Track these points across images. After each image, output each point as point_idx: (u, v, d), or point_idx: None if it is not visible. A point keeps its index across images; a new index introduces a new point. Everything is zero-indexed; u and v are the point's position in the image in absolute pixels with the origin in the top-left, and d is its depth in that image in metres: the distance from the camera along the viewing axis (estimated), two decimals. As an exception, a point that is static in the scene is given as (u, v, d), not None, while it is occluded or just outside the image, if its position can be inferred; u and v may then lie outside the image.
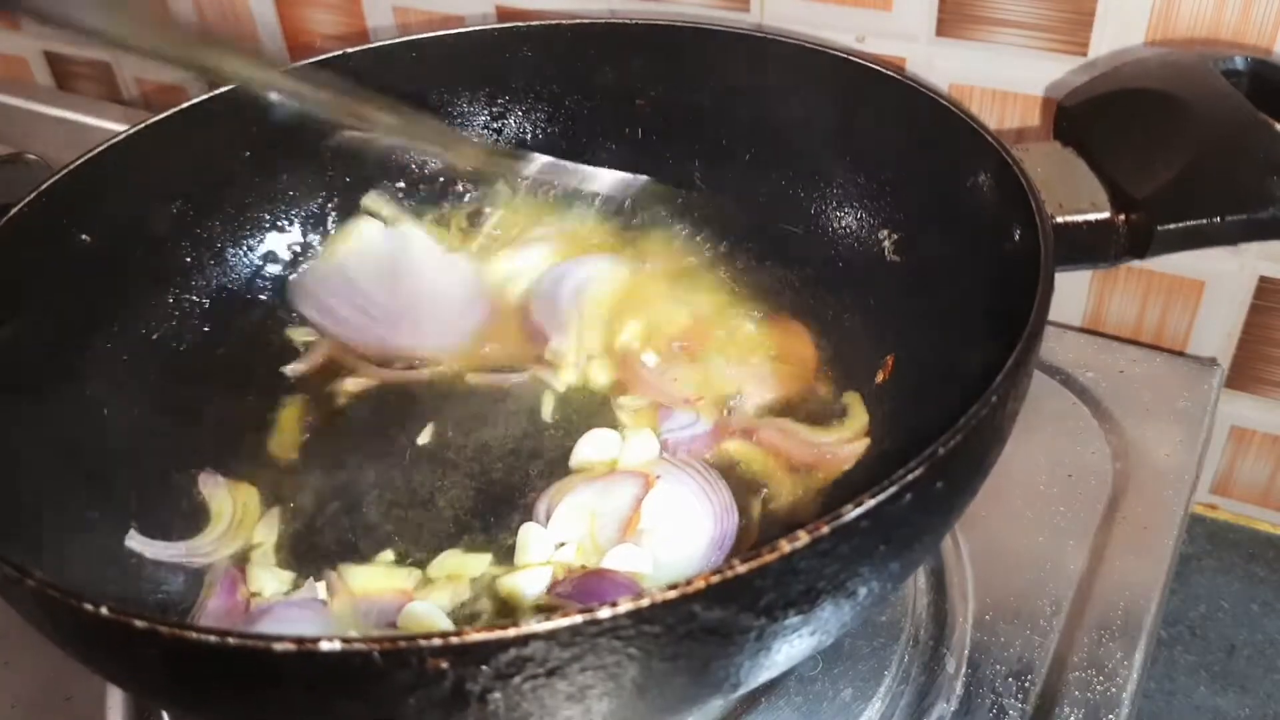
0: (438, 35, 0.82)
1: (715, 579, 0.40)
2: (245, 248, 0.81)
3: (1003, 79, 0.84)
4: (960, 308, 0.66)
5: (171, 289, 0.77)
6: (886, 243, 0.75)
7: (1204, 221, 0.62)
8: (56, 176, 0.69)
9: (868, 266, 0.75)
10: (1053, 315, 0.90)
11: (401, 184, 0.85)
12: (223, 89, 0.77)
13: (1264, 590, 0.88)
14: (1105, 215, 0.63)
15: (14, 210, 0.66)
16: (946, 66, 0.85)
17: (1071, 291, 0.90)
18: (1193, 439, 0.79)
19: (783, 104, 0.78)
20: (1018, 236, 0.60)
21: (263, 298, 0.81)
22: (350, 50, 0.80)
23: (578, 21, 0.81)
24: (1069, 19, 0.79)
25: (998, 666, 0.66)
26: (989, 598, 0.70)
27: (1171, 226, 0.62)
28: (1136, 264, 0.86)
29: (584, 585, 0.62)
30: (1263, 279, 0.83)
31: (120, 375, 0.71)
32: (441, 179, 0.85)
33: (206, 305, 0.78)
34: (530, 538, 0.64)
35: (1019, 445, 0.79)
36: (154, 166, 0.75)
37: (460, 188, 0.85)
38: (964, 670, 0.66)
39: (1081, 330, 0.91)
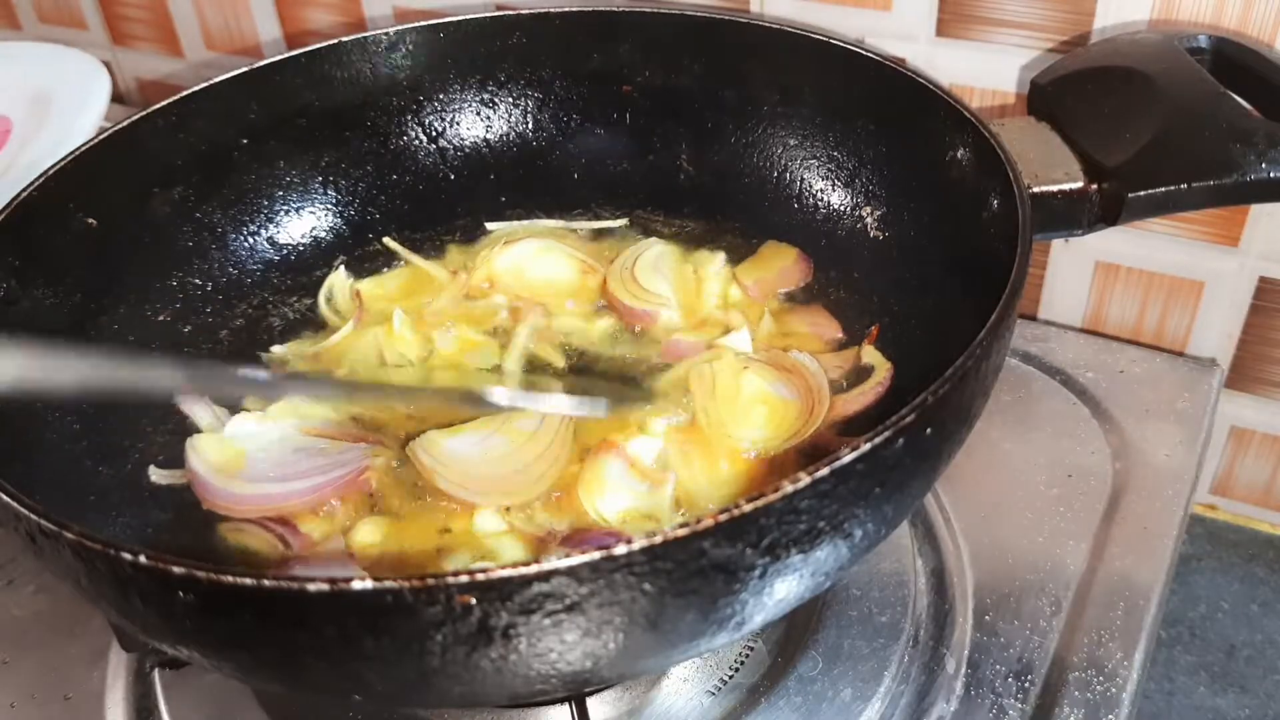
0: (430, 24, 0.83)
1: (723, 518, 0.43)
2: (246, 233, 0.81)
3: (1003, 79, 0.84)
4: (941, 275, 0.69)
5: (175, 272, 0.77)
6: (869, 218, 0.76)
7: (1172, 188, 0.64)
8: (62, 162, 0.70)
9: (851, 240, 0.77)
10: (1053, 315, 0.92)
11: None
12: (219, 79, 0.78)
13: (1264, 590, 0.88)
14: (1079, 184, 0.65)
15: (23, 194, 0.68)
16: (946, 66, 0.85)
17: (1071, 292, 0.90)
18: (1193, 439, 0.79)
19: (765, 87, 0.80)
20: (995, 205, 0.62)
21: (264, 282, 0.81)
22: (345, 39, 0.82)
23: (566, 10, 0.83)
24: (1068, 19, 0.79)
25: (998, 666, 0.66)
26: (989, 598, 0.70)
27: (1142, 194, 0.64)
28: (1136, 265, 0.86)
29: (578, 539, 0.62)
30: (1263, 279, 0.83)
31: (126, 355, 0.71)
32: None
33: (209, 289, 0.79)
34: (486, 523, 0.64)
35: (1019, 445, 0.79)
36: (156, 153, 0.76)
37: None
38: (964, 670, 0.66)
39: (1081, 330, 0.91)
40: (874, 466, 0.47)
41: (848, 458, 0.45)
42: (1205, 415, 0.81)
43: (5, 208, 0.67)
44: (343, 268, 0.83)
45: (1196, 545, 0.90)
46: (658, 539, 0.42)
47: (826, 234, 0.78)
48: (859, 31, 0.86)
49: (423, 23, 0.83)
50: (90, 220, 0.72)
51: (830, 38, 0.75)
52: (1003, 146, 0.63)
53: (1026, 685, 0.65)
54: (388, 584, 0.40)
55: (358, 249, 0.84)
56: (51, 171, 0.69)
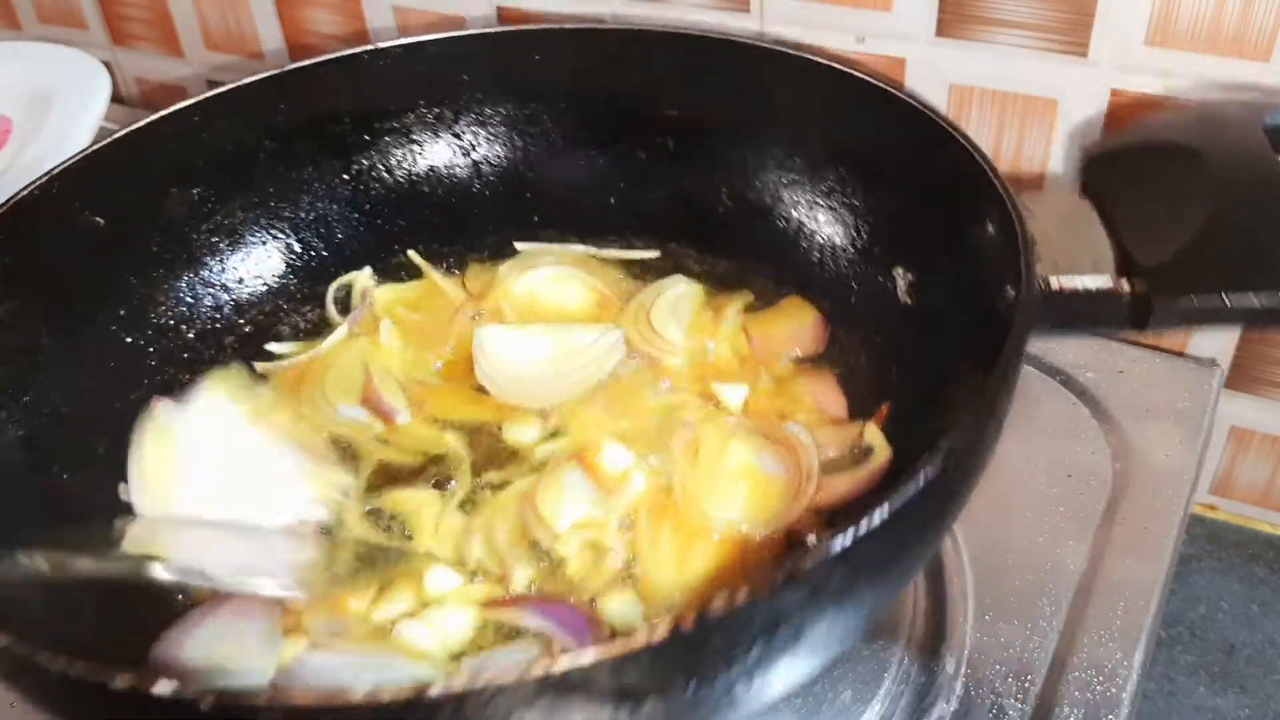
0: (475, 34, 0.81)
1: (615, 651, 0.39)
2: (265, 236, 0.80)
3: (1003, 79, 0.84)
4: (960, 358, 0.62)
5: (185, 274, 0.77)
6: (901, 281, 0.72)
7: (1204, 299, 0.55)
8: (70, 161, 0.69)
9: (880, 303, 0.73)
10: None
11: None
12: (247, 80, 0.77)
13: (1264, 590, 0.88)
14: (1106, 281, 0.57)
15: (22, 192, 0.67)
16: (947, 67, 0.85)
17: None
18: (1192, 439, 0.79)
19: (812, 124, 0.76)
20: (1009, 295, 0.55)
21: (279, 289, 0.81)
22: (384, 45, 0.80)
23: (614, 27, 0.81)
24: (1069, 19, 0.79)
25: (998, 666, 0.66)
26: (989, 598, 0.70)
27: (1169, 301, 0.55)
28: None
29: (545, 608, 0.61)
30: (1263, 279, 0.83)
31: (121, 357, 0.72)
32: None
33: (220, 293, 0.78)
34: (439, 582, 0.63)
35: (1019, 445, 0.79)
36: (175, 152, 0.75)
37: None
38: (964, 670, 0.66)
39: (1081, 331, 0.91)
40: (770, 613, 0.43)
41: (761, 590, 0.41)
42: (1205, 415, 0.81)
43: (1, 206, 0.66)
44: (369, 268, 0.81)
45: (1196, 545, 0.90)
46: (536, 672, 0.39)
47: (856, 291, 0.75)
48: (859, 31, 0.86)
49: (466, 31, 0.81)
50: (98, 219, 0.71)
51: (882, 82, 0.71)
52: (1024, 229, 0.55)
53: (1026, 685, 0.65)
54: (187, 694, 0.39)
55: (381, 260, 0.82)
56: (58, 170, 0.69)
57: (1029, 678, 0.65)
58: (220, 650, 0.58)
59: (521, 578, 0.62)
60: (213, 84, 0.90)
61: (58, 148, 0.91)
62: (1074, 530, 0.73)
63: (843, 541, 0.43)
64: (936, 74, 0.85)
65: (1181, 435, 0.79)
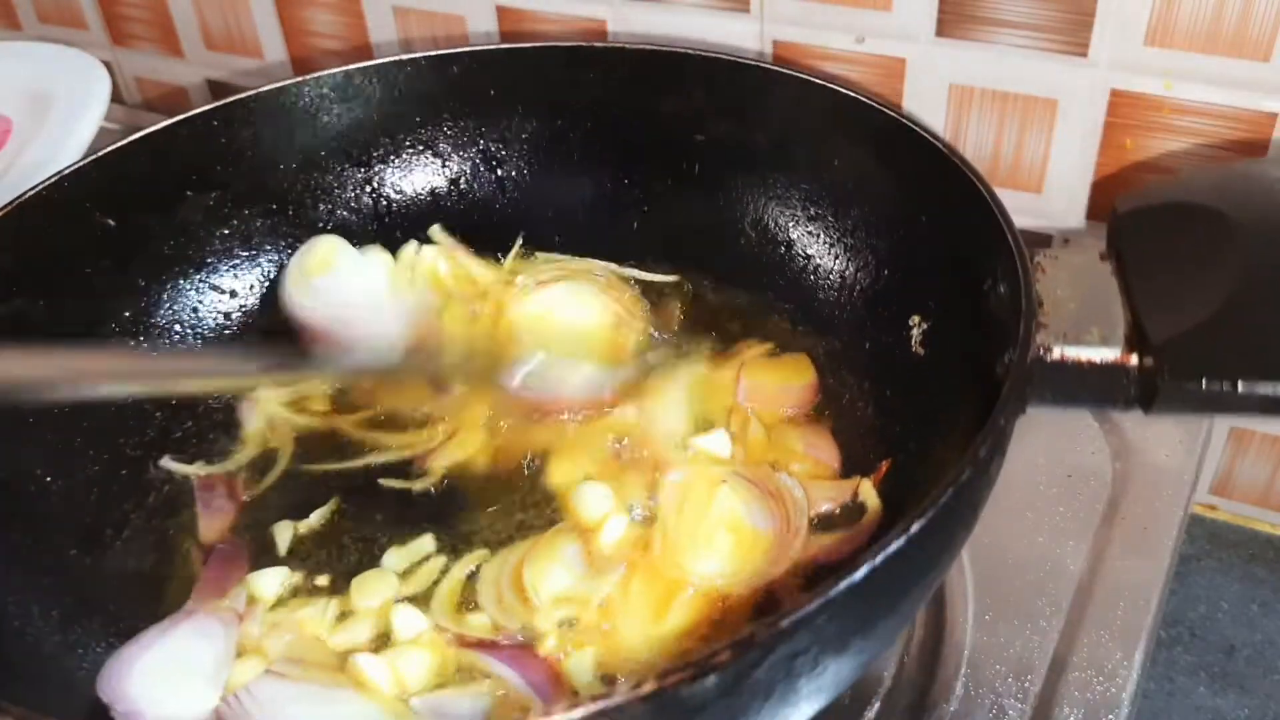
0: (505, 48, 0.81)
1: None
2: (283, 245, 0.80)
3: (1003, 79, 0.84)
4: (954, 423, 0.59)
5: (196, 278, 0.77)
6: (915, 331, 0.70)
7: (1213, 385, 0.50)
8: (82, 162, 0.70)
9: (892, 353, 0.71)
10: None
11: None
12: (270, 86, 0.77)
13: (1264, 590, 0.88)
14: (1113, 355, 0.53)
15: (30, 192, 0.67)
16: (947, 67, 0.85)
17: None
18: (1192, 439, 0.79)
19: (839, 158, 0.76)
20: (1008, 360, 0.53)
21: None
22: (416, 55, 0.80)
23: (641, 46, 0.80)
24: (1069, 19, 0.79)
25: (998, 666, 0.66)
26: (989, 598, 0.70)
27: (1175, 384, 0.51)
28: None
29: (512, 658, 0.59)
30: (1263, 279, 0.82)
31: (124, 359, 0.71)
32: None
33: (230, 299, 0.78)
34: (406, 623, 0.62)
35: (1019, 445, 0.78)
36: (193, 157, 0.75)
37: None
38: (964, 670, 0.66)
39: (1081, 330, 0.91)
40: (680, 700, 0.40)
41: (673, 681, 0.38)
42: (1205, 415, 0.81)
43: (3, 208, 0.67)
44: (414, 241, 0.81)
45: (1196, 545, 0.90)
46: None
47: (872, 338, 0.73)
48: (859, 31, 0.86)
49: (497, 45, 0.82)
50: (109, 220, 0.71)
51: (913, 124, 0.69)
52: (1029, 296, 0.52)
53: (1026, 685, 0.65)
54: None
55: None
56: (69, 170, 0.69)
57: (1029, 678, 0.65)
58: (171, 669, 0.58)
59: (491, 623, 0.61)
60: (213, 84, 0.89)
61: (58, 148, 0.91)
62: (1074, 530, 0.73)
63: (767, 632, 0.40)
64: (936, 74, 0.85)
65: (1181, 435, 0.79)
